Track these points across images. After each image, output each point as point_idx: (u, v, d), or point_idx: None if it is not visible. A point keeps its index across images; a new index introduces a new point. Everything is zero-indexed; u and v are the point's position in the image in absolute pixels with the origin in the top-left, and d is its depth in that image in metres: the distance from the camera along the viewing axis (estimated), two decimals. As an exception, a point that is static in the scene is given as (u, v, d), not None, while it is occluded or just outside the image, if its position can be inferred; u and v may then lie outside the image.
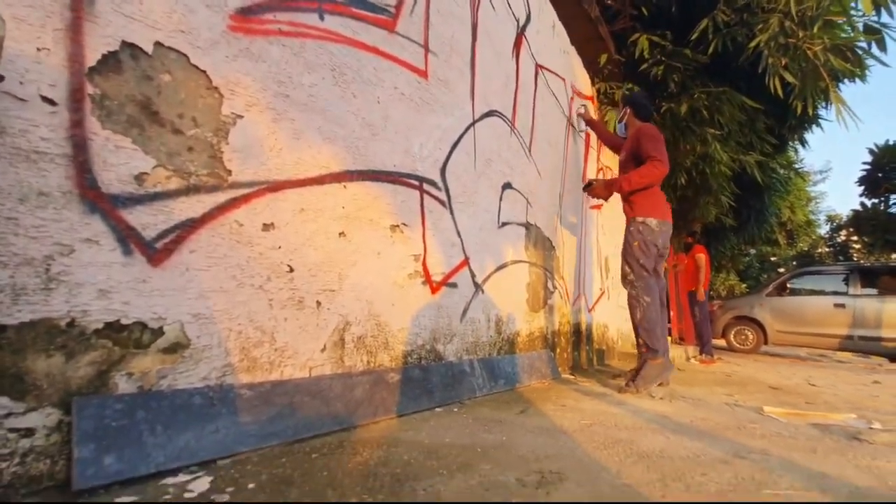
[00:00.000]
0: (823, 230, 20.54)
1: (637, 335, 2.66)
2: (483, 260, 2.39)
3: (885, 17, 3.43)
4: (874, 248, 10.40)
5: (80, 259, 0.96)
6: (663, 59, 4.30)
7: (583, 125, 3.93)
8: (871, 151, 9.52)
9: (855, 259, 17.75)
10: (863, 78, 4.03)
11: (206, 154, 1.18)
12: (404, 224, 1.85)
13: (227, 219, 1.22)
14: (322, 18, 1.50)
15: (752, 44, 3.71)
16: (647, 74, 4.38)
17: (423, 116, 1.97)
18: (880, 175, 9.49)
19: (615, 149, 3.43)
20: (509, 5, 2.71)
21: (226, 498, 0.90)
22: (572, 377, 2.97)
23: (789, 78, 3.69)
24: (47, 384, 0.91)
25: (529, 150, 2.98)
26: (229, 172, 1.23)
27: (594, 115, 4.44)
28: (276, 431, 1.22)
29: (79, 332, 0.95)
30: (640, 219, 2.71)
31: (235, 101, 1.25)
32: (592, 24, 3.76)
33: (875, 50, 3.60)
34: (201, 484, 0.96)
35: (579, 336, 3.74)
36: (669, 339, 3.04)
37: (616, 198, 3.73)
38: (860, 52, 3.64)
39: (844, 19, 3.48)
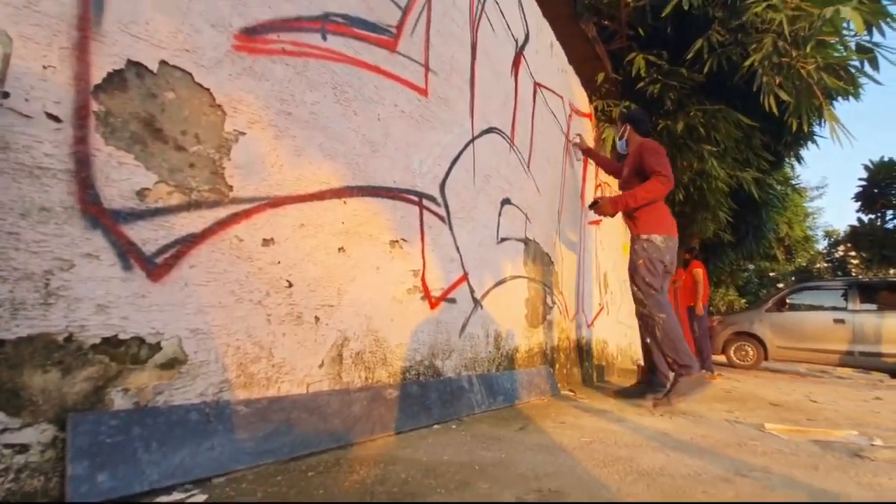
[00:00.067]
0: (821, 246, 20.61)
1: (663, 356, 2.58)
2: (482, 275, 2.39)
3: (877, 37, 3.51)
4: (872, 263, 10.43)
5: (79, 274, 0.96)
6: (659, 77, 4.37)
7: (579, 154, 3.94)
8: (866, 168, 9.62)
9: (853, 274, 17.76)
10: (856, 96, 4.10)
11: (208, 170, 1.19)
12: (403, 239, 1.85)
13: (227, 234, 1.23)
14: (325, 38, 1.53)
15: (747, 63, 3.78)
16: (644, 93, 4.45)
17: (423, 133, 1.99)
18: (876, 191, 9.57)
19: (614, 173, 3.44)
20: (508, 26, 2.76)
21: (220, 517, 0.89)
22: (572, 393, 2.95)
23: (784, 96, 3.75)
24: (43, 400, 0.90)
25: (528, 167, 3.01)
26: (230, 188, 1.24)
27: (591, 134, 4.49)
28: (272, 449, 1.21)
29: (76, 347, 0.95)
30: (644, 236, 2.68)
31: (238, 119, 1.27)
32: (590, 43, 3.84)
33: (868, 68, 3.67)
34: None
35: (579, 352, 3.72)
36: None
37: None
38: (853, 70, 3.71)
39: (837, 39, 3.56)
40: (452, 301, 2.14)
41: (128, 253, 1.03)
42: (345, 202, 1.60)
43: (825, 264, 20.95)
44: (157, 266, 1.08)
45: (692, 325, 5.65)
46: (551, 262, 3.30)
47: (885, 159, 9.40)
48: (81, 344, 0.95)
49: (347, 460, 1.26)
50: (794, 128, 4.05)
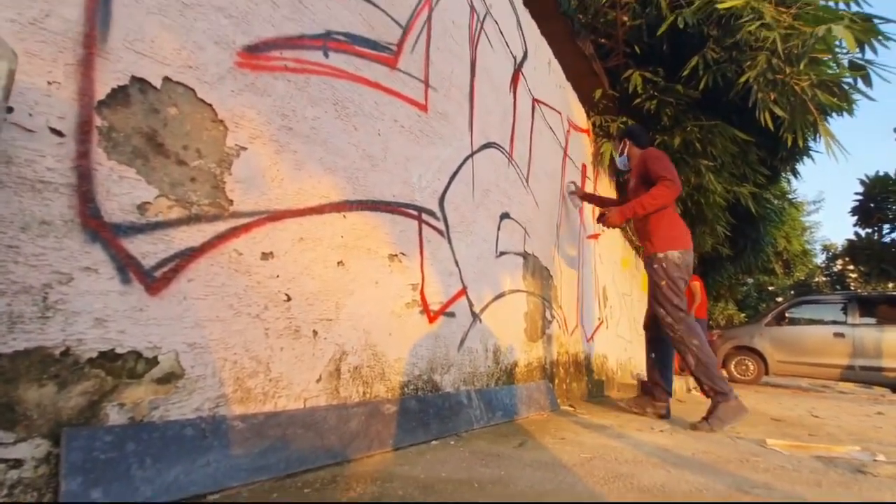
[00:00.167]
0: (819, 259, 20.65)
1: (700, 382, 2.52)
2: (481, 289, 2.39)
3: (869, 54, 3.57)
4: (870, 277, 10.45)
5: (78, 287, 0.96)
6: (656, 94, 4.43)
7: (577, 201, 3.90)
8: (862, 182, 9.70)
9: (852, 288, 17.76)
10: (850, 112, 4.15)
11: (209, 184, 1.20)
12: (402, 253, 1.86)
13: (226, 248, 1.23)
14: (326, 56, 1.55)
15: (742, 79, 3.84)
16: (641, 108, 4.51)
17: (422, 148, 2.01)
18: (872, 205, 9.64)
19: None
20: (507, 43, 2.81)
21: (215, 536, 0.87)
22: (571, 409, 2.92)
23: (779, 112, 3.80)
24: (38, 414, 0.89)
25: (527, 181, 3.03)
26: (231, 202, 1.25)
27: (589, 149, 4.53)
28: (268, 465, 1.19)
29: (72, 361, 0.94)
30: (661, 255, 2.60)
31: (240, 134, 1.28)
32: (587, 60, 3.90)
33: (861, 85, 3.73)
34: (190, 520, 0.93)
35: (578, 366, 3.70)
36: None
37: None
38: (846, 87, 3.77)
39: (830, 56, 3.62)
40: (451, 315, 2.13)
41: (127, 266, 1.03)
42: (344, 216, 1.60)
43: (824, 278, 20.97)
44: (155, 280, 1.08)
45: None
46: (550, 276, 3.31)
47: (881, 174, 9.49)
48: (78, 358, 0.95)
49: (344, 477, 1.24)
50: (790, 143, 4.10)
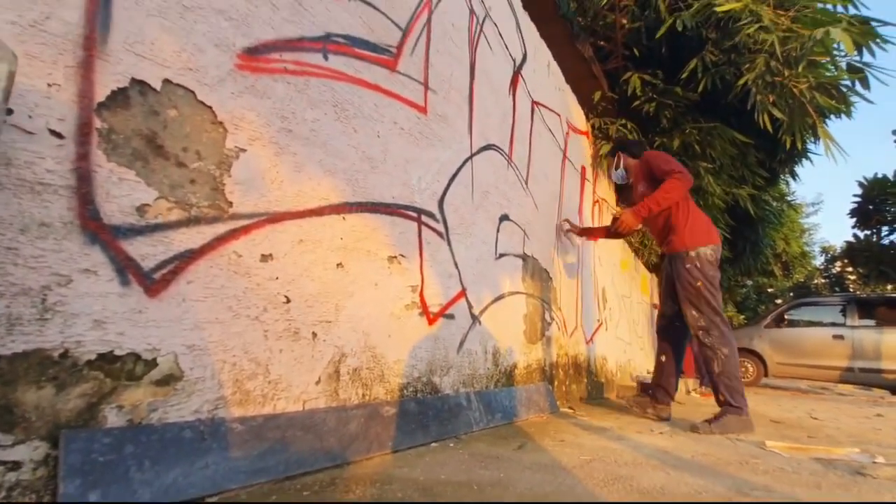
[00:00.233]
0: (818, 261, 20.67)
1: (717, 390, 2.44)
2: (480, 291, 2.39)
3: (867, 57, 3.58)
4: (869, 279, 10.46)
5: (77, 289, 0.96)
6: (655, 96, 4.45)
7: (576, 240, 3.78)
8: (860, 184, 9.72)
9: (851, 290, 17.79)
10: (848, 114, 4.16)
11: (209, 186, 1.20)
12: (402, 255, 1.86)
13: (225, 249, 1.23)
14: (326, 58, 1.56)
15: (741, 82, 3.86)
16: (640, 111, 4.52)
17: (421, 150, 2.01)
18: (871, 207, 9.66)
19: (621, 236, 3.21)
20: (506, 46, 2.82)
21: (213, 538, 0.87)
22: (571, 411, 2.92)
23: (777, 114, 3.81)
24: (36, 416, 0.89)
25: (526, 183, 3.03)
26: (230, 204, 1.25)
27: (588, 151, 4.54)
28: (266, 467, 1.19)
29: (71, 363, 0.94)
30: (692, 252, 2.45)
31: (239, 136, 1.28)
32: (586, 63, 3.91)
33: (859, 87, 3.75)
34: (189, 523, 0.93)
35: (578, 368, 3.70)
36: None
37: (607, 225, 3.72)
38: (844, 89, 3.78)
39: (828, 59, 3.63)
40: (451, 317, 2.13)
41: (126, 268, 1.03)
42: (344, 218, 1.60)
43: (823, 280, 20.99)
44: (154, 282, 1.08)
45: (691, 341, 5.62)
46: (549, 277, 3.31)
47: (879, 175, 9.51)
48: (77, 360, 0.95)
49: (343, 480, 1.24)
50: (789, 145, 4.11)
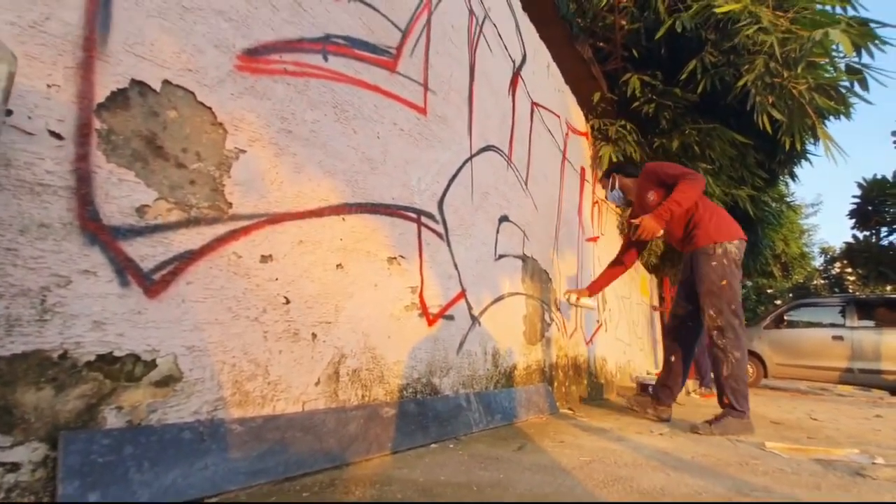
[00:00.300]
0: (818, 262, 20.69)
1: (722, 392, 2.42)
2: (480, 292, 2.39)
3: (865, 58, 3.59)
4: (868, 279, 10.46)
5: (76, 290, 0.96)
6: (654, 97, 4.45)
7: (592, 302, 3.09)
8: (859, 185, 9.72)
9: (850, 291, 17.81)
10: (847, 115, 4.17)
11: (208, 187, 1.20)
12: (402, 256, 1.86)
13: (225, 250, 1.23)
14: (326, 59, 1.56)
15: (740, 83, 3.86)
16: (639, 112, 4.52)
17: (421, 151, 2.01)
18: (870, 208, 9.66)
19: (617, 266, 2.95)
20: (505, 47, 2.82)
21: (213, 540, 0.87)
22: (570, 412, 2.92)
23: (777, 115, 3.82)
24: (35, 418, 0.89)
25: (526, 184, 3.03)
26: (230, 205, 1.25)
27: (588, 152, 4.54)
28: (266, 469, 1.19)
29: (70, 364, 0.94)
30: (718, 249, 2.38)
31: (239, 137, 1.28)
32: (585, 64, 3.91)
33: (858, 88, 3.75)
34: (188, 524, 0.92)
35: (577, 369, 3.70)
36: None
37: (610, 230, 3.75)
38: (844, 90, 3.79)
39: (827, 60, 3.64)
40: (450, 318, 2.13)
41: (125, 269, 1.03)
42: (343, 219, 1.60)
43: (822, 281, 21.01)
44: (154, 282, 1.08)
45: (697, 343, 5.61)
46: (549, 278, 3.31)
47: (878, 176, 9.51)
48: (76, 361, 0.94)
49: (343, 481, 1.24)
50: (788, 146, 4.11)
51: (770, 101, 3.80)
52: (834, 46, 3.47)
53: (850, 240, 10.29)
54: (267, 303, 1.32)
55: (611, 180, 3.02)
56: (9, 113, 0.89)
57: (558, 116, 3.75)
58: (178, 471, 1.03)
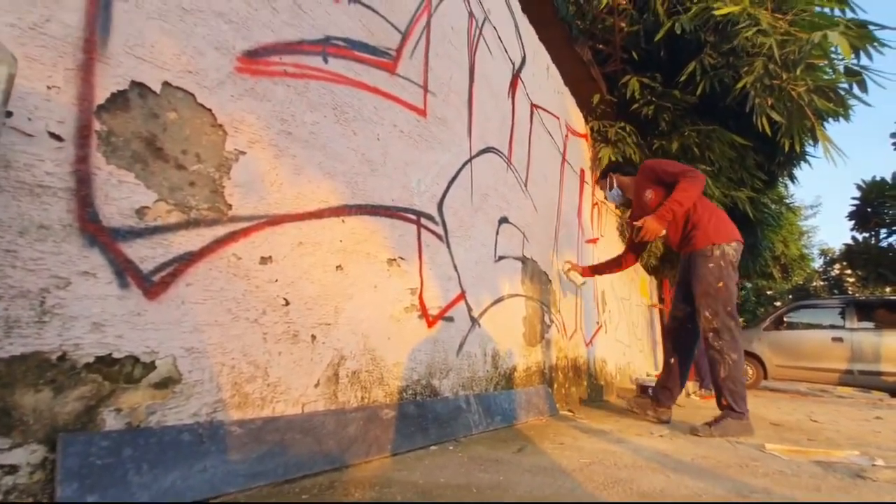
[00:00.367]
0: (817, 264, 20.70)
1: (720, 394, 2.43)
2: (479, 294, 2.39)
3: (864, 60, 3.60)
4: (868, 281, 10.47)
5: (75, 292, 0.95)
6: (654, 99, 4.46)
7: (578, 278, 3.64)
8: (858, 187, 9.74)
9: (850, 292, 17.81)
10: (846, 117, 4.18)
11: (208, 189, 1.20)
12: (401, 258, 1.86)
13: (225, 252, 1.23)
14: (326, 61, 1.56)
15: (739, 85, 3.87)
16: (639, 114, 4.53)
17: (421, 153, 2.01)
18: (869, 210, 9.68)
19: (618, 263, 3.11)
20: (505, 49, 2.82)
21: (212, 542, 0.87)
22: (570, 414, 2.91)
23: (776, 117, 3.83)
24: (34, 420, 0.89)
25: (525, 186, 3.04)
26: (230, 206, 1.25)
27: (587, 154, 4.54)
28: (265, 471, 1.19)
29: (69, 366, 0.94)
30: (717, 250, 2.39)
31: (239, 138, 1.28)
32: (585, 66, 3.92)
33: (857, 90, 3.76)
34: (187, 527, 0.92)
35: (577, 371, 3.69)
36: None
37: (610, 232, 3.74)
38: (842, 92, 3.80)
39: (826, 62, 3.65)
40: (450, 319, 2.13)
41: (125, 271, 1.03)
42: (343, 220, 1.60)
43: (822, 282, 21.02)
44: (153, 284, 1.08)
45: (697, 344, 5.61)
46: (549, 280, 3.31)
47: (877, 178, 9.53)
48: (75, 363, 0.94)
49: (342, 483, 1.24)
50: (787, 148, 4.12)
51: (769, 102, 3.81)
52: (832, 49, 3.48)
53: (850, 241, 10.30)
54: (266, 304, 1.32)
55: (608, 180, 3.03)
56: (9, 114, 0.89)
57: (558, 118, 3.76)
58: (177, 473, 1.03)
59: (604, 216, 5.01)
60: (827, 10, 3.68)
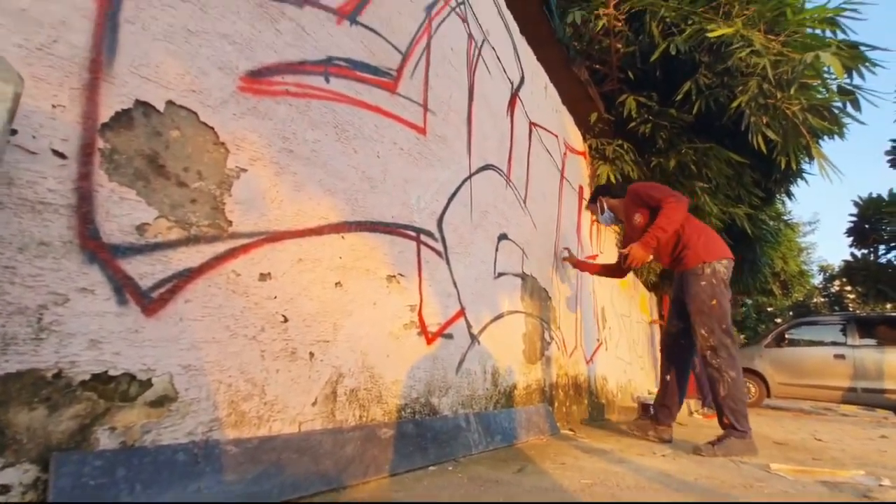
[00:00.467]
0: (817, 280, 20.70)
1: (721, 413, 2.42)
2: (479, 310, 2.38)
3: (857, 80, 3.67)
4: (868, 297, 10.45)
5: (73, 308, 0.95)
6: (650, 117, 4.52)
7: (571, 269, 3.80)
8: (855, 204, 9.79)
9: (850, 309, 17.75)
10: (841, 135, 4.23)
11: (209, 205, 1.21)
12: (401, 274, 1.86)
13: (224, 269, 1.23)
14: (328, 81, 1.59)
15: (734, 104, 3.92)
16: (636, 132, 4.58)
17: (421, 170, 2.03)
18: (867, 226, 9.71)
19: (613, 272, 3.21)
20: (504, 69, 2.87)
21: (205, 566, 0.84)
22: (571, 433, 2.87)
23: (771, 135, 3.87)
24: (27, 438, 0.87)
25: (524, 203, 3.05)
26: (230, 223, 1.25)
27: (586, 171, 4.58)
28: (261, 491, 1.16)
29: (65, 383, 0.93)
30: (707, 268, 2.42)
31: (240, 156, 1.29)
32: (582, 85, 3.98)
33: (850, 109, 3.82)
34: (180, 550, 0.90)
35: (578, 389, 3.65)
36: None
37: (609, 248, 3.75)
38: (836, 111, 3.85)
39: (819, 82, 3.71)
40: (449, 336, 2.12)
41: (124, 287, 1.03)
42: (343, 237, 1.61)
43: (822, 299, 20.97)
44: (152, 301, 1.07)
45: (693, 360, 5.57)
46: (548, 297, 3.30)
47: (874, 195, 9.59)
48: (70, 380, 0.93)
49: (340, 504, 1.21)
50: (783, 165, 4.16)
51: (764, 121, 3.86)
52: (825, 68, 3.54)
53: (849, 258, 10.30)
54: (265, 321, 1.31)
55: (598, 204, 3.09)
56: (13, 132, 0.90)
57: (556, 136, 3.80)
58: (171, 494, 1.01)
59: (602, 233, 5.02)
60: (818, 31, 3.76)
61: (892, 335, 6.47)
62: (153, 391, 1.06)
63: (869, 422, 5.28)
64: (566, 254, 3.66)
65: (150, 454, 1.02)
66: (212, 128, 1.23)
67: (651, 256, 2.66)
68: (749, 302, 16.85)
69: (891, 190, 9.27)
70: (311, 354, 1.44)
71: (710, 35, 3.69)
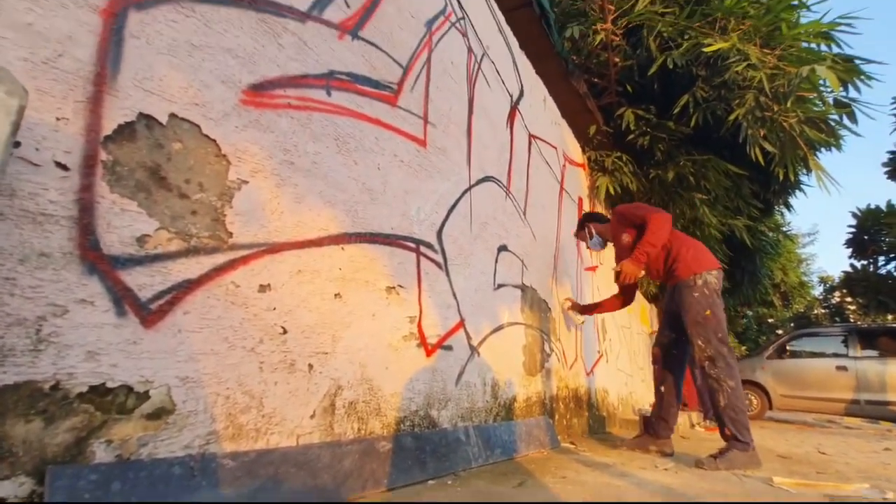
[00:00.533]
0: (817, 291, 20.67)
1: (722, 424, 2.41)
2: (479, 322, 2.37)
3: (853, 93, 3.71)
4: (869, 309, 10.42)
5: (72, 320, 0.95)
6: (648, 130, 4.56)
7: (579, 317, 3.75)
8: (854, 215, 9.82)
9: (851, 320, 17.69)
10: (838, 147, 4.27)
11: (210, 217, 1.21)
12: (400, 286, 1.85)
13: (223, 280, 1.23)
14: (329, 94, 1.60)
15: (732, 117, 3.96)
16: (635, 144, 4.62)
17: (420, 182, 2.04)
18: (866, 237, 9.73)
19: (619, 301, 3.18)
20: (503, 82, 2.91)
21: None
22: (572, 446, 2.84)
23: (769, 147, 3.90)
24: (23, 451, 0.87)
25: (524, 214, 3.06)
26: (230, 235, 1.26)
27: (585, 182, 4.61)
28: (259, 506, 1.15)
29: (62, 395, 0.92)
30: (699, 280, 2.45)
31: (242, 168, 1.30)
32: (581, 98, 4.02)
33: (847, 121, 3.86)
34: (175, 566, 0.89)
35: (578, 401, 3.63)
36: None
37: (609, 260, 3.75)
38: (833, 123, 3.89)
39: (815, 95, 3.75)
40: (449, 348, 2.11)
41: (123, 299, 1.03)
42: (343, 248, 1.61)
43: (822, 310, 20.91)
44: (151, 312, 1.07)
45: (694, 373, 5.55)
46: (548, 308, 3.29)
47: (872, 206, 9.62)
48: (67, 392, 0.93)
49: (338, 519, 1.20)
50: (781, 177, 4.19)
51: (762, 133, 3.89)
52: (821, 82, 3.59)
53: (848, 269, 10.30)
54: (264, 333, 1.31)
55: (586, 231, 3.15)
56: (17, 145, 0.91)
57: (555, 148, 3.83)
58: (166, 508, 1.00)
59: (602, 244, 5.02)
60: (814, 45, 3.81)
61: (894, 347, 6.44)
62: (150, 403, 1.05)
63: (873, 434, 5.23)
64: (569, 304, 3.58)
65: (146, 468, 1.01)
66: (214, 140, 1.24)
67: (643, 272, 2.72)
68: (750, 313, 16.80)
69: (889, 201, 9.32)
70: (310, 366, 1.43)
71: (706, 49, 3.74)
